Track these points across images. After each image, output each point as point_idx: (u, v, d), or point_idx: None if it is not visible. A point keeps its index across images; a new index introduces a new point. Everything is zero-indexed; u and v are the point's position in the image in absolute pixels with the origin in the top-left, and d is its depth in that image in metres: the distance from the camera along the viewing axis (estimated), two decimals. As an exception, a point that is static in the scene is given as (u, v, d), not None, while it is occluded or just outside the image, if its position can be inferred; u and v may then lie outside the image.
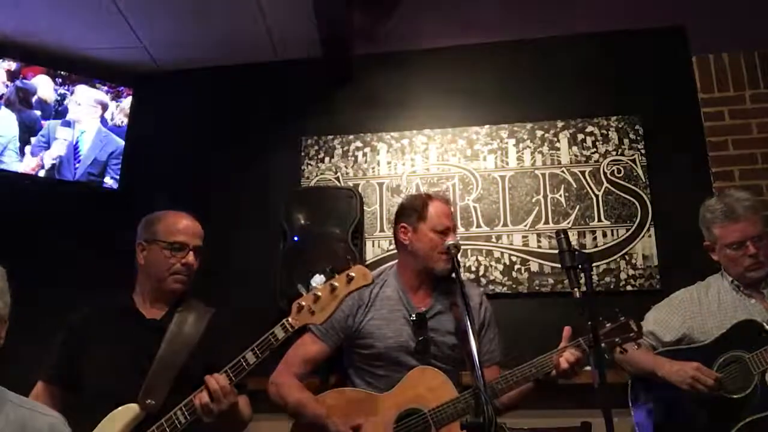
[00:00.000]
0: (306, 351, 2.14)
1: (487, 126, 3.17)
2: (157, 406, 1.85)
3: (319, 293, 1.83)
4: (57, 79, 3.27)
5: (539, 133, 3.11)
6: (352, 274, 1.83)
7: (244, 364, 1.82)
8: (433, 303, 2.16)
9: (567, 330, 1.95)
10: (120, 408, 1.85)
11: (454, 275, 2.11)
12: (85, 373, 1.97)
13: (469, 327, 1.77)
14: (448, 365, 2.07)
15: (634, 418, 2.19)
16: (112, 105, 3.37)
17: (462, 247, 2.34)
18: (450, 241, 2.10)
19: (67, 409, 1.86)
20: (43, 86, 3.25)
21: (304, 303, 1.83)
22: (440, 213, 2.17)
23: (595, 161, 3.03)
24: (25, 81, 3.20)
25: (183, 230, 2.07)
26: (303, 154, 3.27)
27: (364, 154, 3.23)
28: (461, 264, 2.89)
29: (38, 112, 3.22)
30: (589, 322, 1.64)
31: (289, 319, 1.84)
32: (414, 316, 2.10)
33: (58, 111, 3.26)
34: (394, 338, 2.10)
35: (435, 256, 2.13)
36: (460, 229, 2.96)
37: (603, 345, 1.89)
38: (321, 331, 2.13)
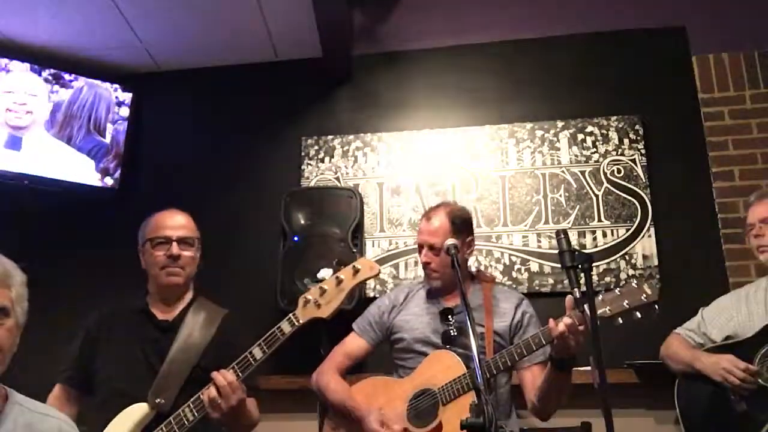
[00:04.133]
0: (347, 346, 2.31)
1: (487, 126, 3.17)
2: (167, 405, 1.86)
3: (326, 286, 1.83)
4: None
5: (539, 133, 3.11)
6: (359, 266, 1.84)
7: (251, 359, 1.82)
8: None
9: (569, 299, 1.85)
10: (130, 407, 1.86)
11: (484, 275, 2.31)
12: (99, 373, 1.99)
13: (470, 326, 1.77)
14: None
15: (678, 414, 2.19)
16: (112, 105, 3.37)
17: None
18: (450, 241, 2.11)
19: (83, 410, 1.88)
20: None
21: (310, 297, 1.84)
22: (418, 233, 2.32)
23: (595, 161, 3.03)
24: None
25: (165, 225, 2.09)
26: (303, 154, 3.27)
27: (364, 154, 3.22)
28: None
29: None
30: (591, 325, 1.61)
31: (296, 312, 1.84)
32: (441, 310, 2.18)
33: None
34: (420, 329, 2.20)
35: (425, 272, 2.28)
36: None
37: (608, 310, 1.83)
38: (360, 328, 2.33)
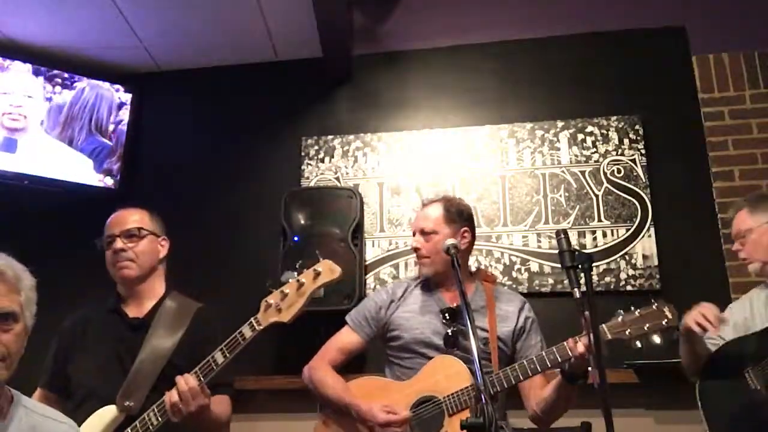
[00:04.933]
0: (340, 341, 2.24)
1: (487, 126, 3.17)
2: (136, 408, 1.84)
3: (287, 290, 1.81)
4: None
5: (539, 133, 3.11)
6: (319, 269, 1.82)
7: (212, 364, 1.79)
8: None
9: (587, 316, 1.83)
10: (99, 411, 1.84)
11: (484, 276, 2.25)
12: (74, 376, 1.98)
13: (470, 326, 1.76)
14: (482, 360, 2.05)
15: (703, 420, 2.16)
16: (113, 105, 3.38)
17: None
18: (450, 241, 2.07)
19: (64, 413, 1.87)
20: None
21: (271, 301, 1.82)
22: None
23: (595, 161, 3.03)
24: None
25: (109, 225, 2.12)
26: (303, 154, 3.27)
27: (364, 154, 3.22)
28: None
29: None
30: (591, 325, 1.60)
31: (257, 317, 1.82)
32: (443, 310, 2.12)
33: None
34: (420, 329, 2.13)
35: (417, 260, 2.25)
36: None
37: (629, 332, 1.82)
38: (355, 323, 2.24)
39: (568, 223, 2.97)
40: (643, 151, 2.99)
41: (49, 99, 3.27)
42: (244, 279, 3.09)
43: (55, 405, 1.98)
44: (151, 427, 1.79)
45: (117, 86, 3.40)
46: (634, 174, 2.98)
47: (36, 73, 3.26)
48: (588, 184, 3.01)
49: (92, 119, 3.32)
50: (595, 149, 3.05)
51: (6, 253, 1.43)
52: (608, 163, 3.02)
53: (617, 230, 2.92)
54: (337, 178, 3.20)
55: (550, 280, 2.90)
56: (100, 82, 3.36)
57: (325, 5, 2.89)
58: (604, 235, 2.93)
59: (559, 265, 1.93)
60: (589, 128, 3.07)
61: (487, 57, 3.27)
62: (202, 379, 1.78)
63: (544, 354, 1.92)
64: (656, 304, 1.85)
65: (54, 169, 3.21)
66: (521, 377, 1.94)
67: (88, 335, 2.03)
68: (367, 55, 3.36)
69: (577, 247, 1.94)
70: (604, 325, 1.84)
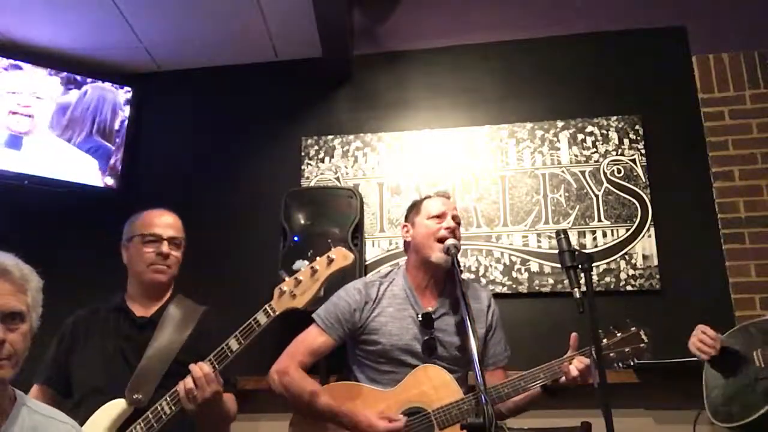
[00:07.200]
0: (311, 342, 2.11)
1: (487, 126, 3.17)
2: (145, 401, 1.86)
3: (301, 277, 1.83)
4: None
5: (539, 133, 3.11)
6: (333, 256, 1.84)
7: (227, 351, 1.82)
8: (440, 303, 2.15)
9: (574, 337, 1.93)
10: (107, 404, 1.86)
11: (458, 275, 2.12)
12: (77, 373, 2.00)
13: (469, 327, 1.76)
14: (455, 366, 2.06)
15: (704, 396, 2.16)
16: (116, 106, 3.37)
17: (462, 247, 2.32)
18: (450, 240, 2.10)
19: (62, 410, 1.87)
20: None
21: (285, 288, 1.84)
22: (434, 203, 2.23)
23: (595, 161, 3.03)
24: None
25: (157, 223, 2.10)
26: (303, 154, 3.27)
27: (364, 154, 3.23)
28: (461, 264, 2.89)
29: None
30: (591, 325, 1.61)
31: (272, 303, 1.84)
32: (420, 315, 2.08)
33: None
34: (399, 336, 2.08)
35: (430, 243, 2.13)
36: (461, 229, 2.95)
37: (612, 355, 1.89)
38: (326, 324, 2.11)
39: (568, 223, 2.97)
40: (643, 151, 2.99)
41: (56, 99, 3.27)
42: (244, 279, 3.09)
43: (53, 401, 1.99)
44: (164, 416, 1.81)
45: (117, 86, 3.39)
46: (634, 174, 2.98)
47: (38, 73, 3.25)
48: (588, 184, 3.01)
49: (95, 120, 3.32)
50: (595, 149, 3.05)
51: (11, 254, 1.43)
52: (608, 163, 3.02)
53: (617, 230, 2.92)
54: (337, 178, 3.21)
55: (550, 280, 2.90)
56: (102, 83, 3.36)
57: (325, 5, 2.89)
58: (604, 235, 2.93)
59: (559, 265, 1.94)
60: (589, 128, 3.07)
61: (487, 57, 3.27)
62: (216, 366, 1.80)
63: (536, 372, 1.94)
64: (633, 327, 1.93)
65: (56, 168, 3.21)
66: (512, 394, 1.95)
67: (92, 333, 2.04)
68: (367, 55, 3.36)
69: (577, 247, 1.95)
70: (590, 348, 1.85)
